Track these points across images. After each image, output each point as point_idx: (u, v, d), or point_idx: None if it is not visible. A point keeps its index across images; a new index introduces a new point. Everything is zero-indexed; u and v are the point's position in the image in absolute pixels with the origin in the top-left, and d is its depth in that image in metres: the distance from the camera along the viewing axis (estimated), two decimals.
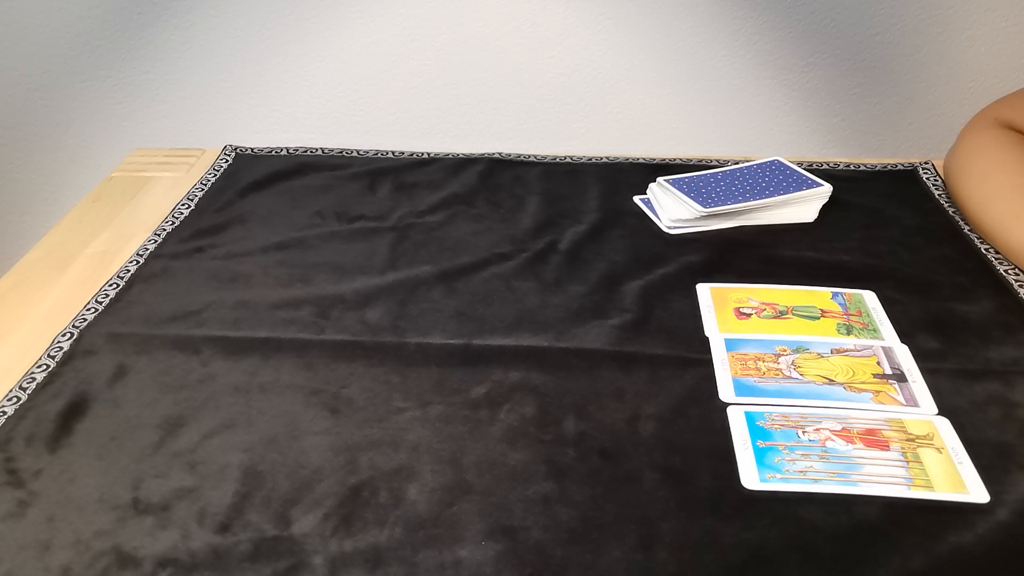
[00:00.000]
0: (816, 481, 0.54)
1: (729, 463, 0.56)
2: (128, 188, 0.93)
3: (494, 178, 0.93)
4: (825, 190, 0.84)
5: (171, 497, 0.54)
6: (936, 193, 0.88)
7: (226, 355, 0.66)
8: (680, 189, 0.84)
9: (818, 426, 0.58)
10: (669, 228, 0.83)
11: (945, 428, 0.58)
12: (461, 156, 0.97)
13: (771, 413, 0.60)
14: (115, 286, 0.75)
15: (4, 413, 0.61)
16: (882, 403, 0.61)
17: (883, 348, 0.66)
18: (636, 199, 0.88)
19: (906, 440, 0.57)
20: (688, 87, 1.12)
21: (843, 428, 0.58)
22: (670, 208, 0.83)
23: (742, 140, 1.15)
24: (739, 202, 0.82)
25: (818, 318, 0.69)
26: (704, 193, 0.83)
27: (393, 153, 0.98)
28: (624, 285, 0.74)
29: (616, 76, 1.12)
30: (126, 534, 0.52)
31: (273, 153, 0.99)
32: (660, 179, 0.87)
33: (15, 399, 0.62)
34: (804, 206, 0.83)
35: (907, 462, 0.56)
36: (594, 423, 0.59)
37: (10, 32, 1.11)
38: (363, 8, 1.09)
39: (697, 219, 0.82)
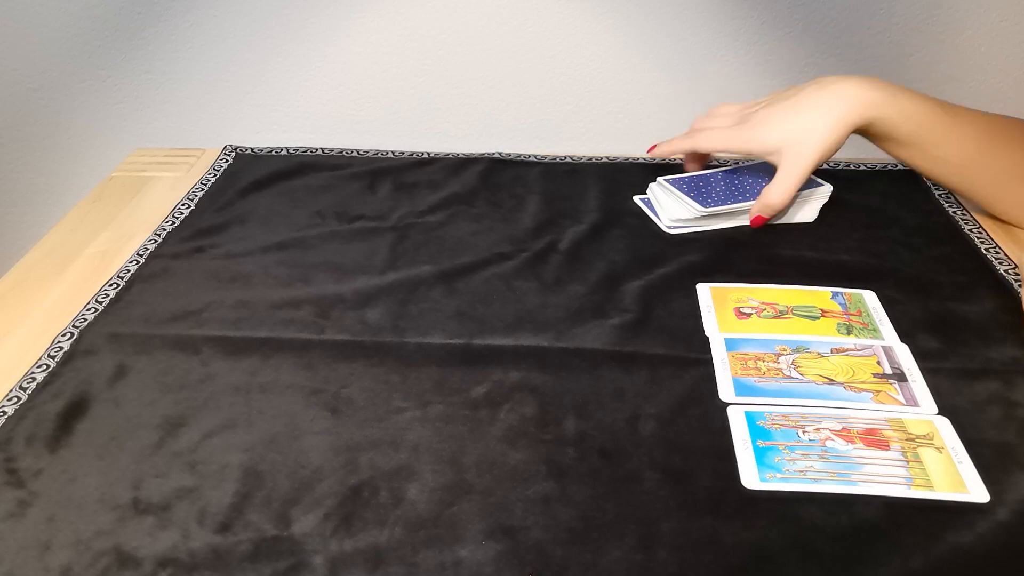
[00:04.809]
0: (816, 481, 0.54)
1: (729, 463, 0.56)
2: (128, 188, 0.93)
3: (494, 178, 0.92)
4: (825, 190, 0.84)
5: (171, 497, 0.54)
6: (936, 193, 0.88)
7: (226, 355, 0.66)
8: (680, 189, 0.84)
9: (818, 426, 0.58)
10: (669, 228, 0.83)
11: (945, 428, 0.58)
12: (461, 156, 0.97)
13: (771, 413, 0.60)
14: (115, 286, 0.75)
15: (4, 413, 0.61)
16: (882, 403, 0.61)
17: (883, 348, 0.66)
18: (636, 199, 0.88)
19: (906, 440, 0.57)
20: (688, 87, 1.12)
21: (843, 428, 0.58)
22: (670, 208, 0.83)
23: None
24: (739, 202, 0.82)
25: (818, 318, 0.69)
26: (704, 193, 0.83)
27: (393, 153, 0.98)
28: (624, 285, 0.74)
29: (616, 76, 1.12)
30: (126, 534, 0.52)
31: (273, 153, 0.99)
32: (660, 179, 0.87)
33: (15, 399, 0.62)
34: (804, 206, 0.83)
35: (907, 462, 0.55)
36: (594, 423, 0.59)
37: (10, 32, 1.11)
38: (363, 8, 1.09)
39: (697, 219, 0.82)
